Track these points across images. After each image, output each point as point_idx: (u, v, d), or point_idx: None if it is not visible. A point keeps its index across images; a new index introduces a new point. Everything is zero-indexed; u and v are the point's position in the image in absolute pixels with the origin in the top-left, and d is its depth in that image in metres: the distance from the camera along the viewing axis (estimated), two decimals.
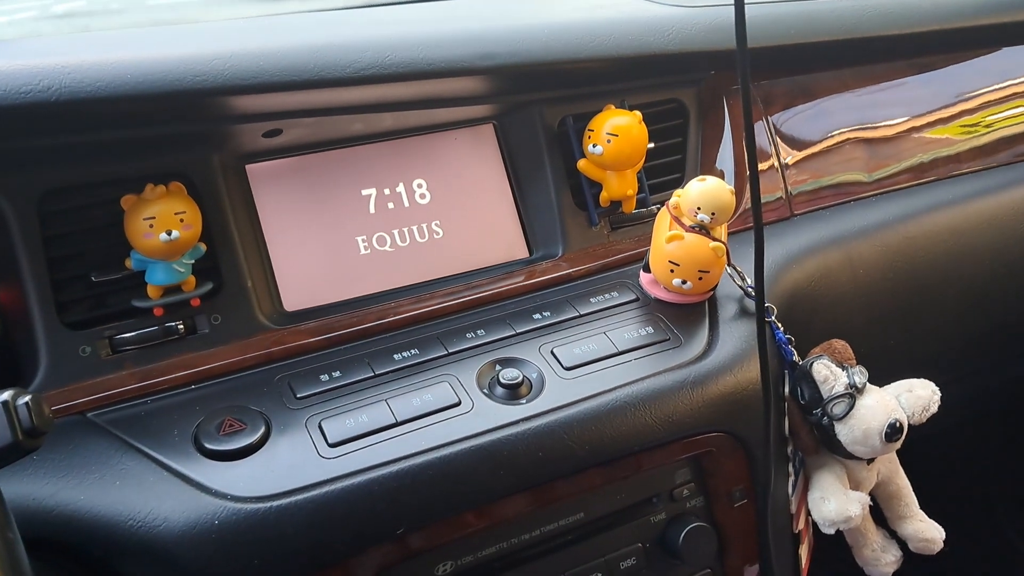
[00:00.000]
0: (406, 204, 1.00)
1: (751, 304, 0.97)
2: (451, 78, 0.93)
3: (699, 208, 0.90)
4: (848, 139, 1.20)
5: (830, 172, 1.18)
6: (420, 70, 0.89)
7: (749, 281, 0.96)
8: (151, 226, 0.81)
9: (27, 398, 0.60)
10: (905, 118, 1.24)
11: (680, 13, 1.05)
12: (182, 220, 0.82)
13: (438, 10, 1.15)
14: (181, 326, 0.87)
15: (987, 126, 1.30)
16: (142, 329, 0.85)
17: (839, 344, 1.00)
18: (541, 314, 0.94)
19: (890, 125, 1.23)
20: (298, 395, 0.83)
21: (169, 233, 0.81)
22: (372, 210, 0.98)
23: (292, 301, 0.93)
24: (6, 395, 0.60)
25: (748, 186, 1.09)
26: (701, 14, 1.06)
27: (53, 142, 0.82)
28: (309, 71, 0.84)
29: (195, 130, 0.87)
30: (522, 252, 1.04)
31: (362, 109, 0.94)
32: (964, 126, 1.28)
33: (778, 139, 1.15)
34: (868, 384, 0.95)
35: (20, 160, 0.82)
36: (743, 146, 1.11)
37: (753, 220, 0.75)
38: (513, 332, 0.92)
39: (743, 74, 0.67)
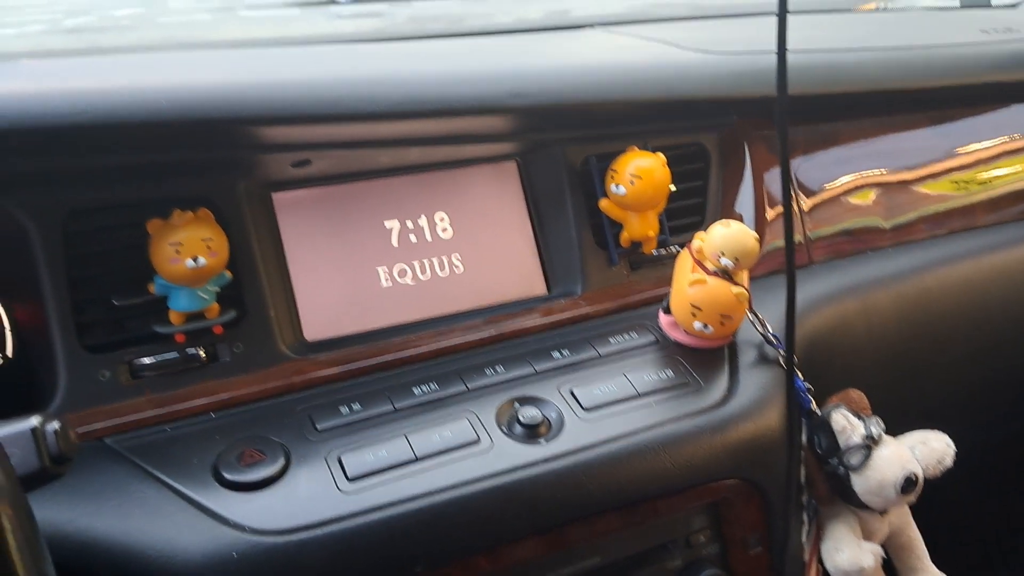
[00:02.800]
0: (428, 237, 1.00)
1: (771, 351, 0.97)
2: (481, 115, 0.93)
3: (723, 253, 0.91)
4: (865, 187, 1.21)
5: (847, 219, 1.19)
6: (452, 107, 0.89)
7: (770, 328, 0.97)
8: (177, 252, 0.81)
9: (55, 424, 0.60)
10: (922, 169, 1.25)
11: (706, 60, 1.06)
12: (209, 247, 0.82)
13: (467, 46, 1.16)
14: (202, 353, 0.86)
15: (1001, 180, 1.31)
16: (162, 355, 0.85)
17: (856, 394, 1.00)
18: (560, 352, 0.94)
19: (907, 175, 1.24)
20: (318, 427, 0.82)
21: (196, 259, 0.81)
22: (394, 242, 0.98)
23: (313, 331, 0.93)
24: (34, 421, 0.59)
25: (768, 231, 1.10)
26: (727, 61, 1.07)
27: (81, 163, 0.82)
28: (344, 104, 0.84)
29: (224, 157, 0.87)
30: (541, 289, 1.04)
31: (391, 143, 0.94)
32: (979, 179, 1.29)
33: (797, 185, 1.16)
34: (884, 435, 0.95)
35: (47, 179, 0.82)
36: (763, 191, 1.12)
37: (786, 271, 0.75)
38: (532, 370, 0.91)
39: (781, 122, 0.68)
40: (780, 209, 1.13)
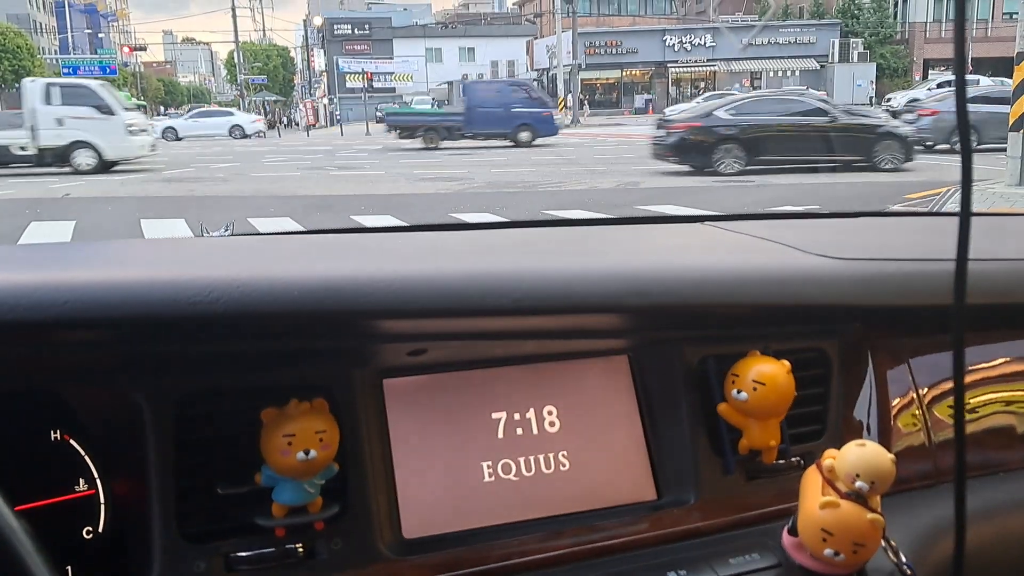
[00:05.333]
0: (535, 431, 0.96)
1: None
2: (601, 313, 0.91)
3: (858, 475, 0.84)
4: (993, 395, 1.14)
5: (975, 423, 1.11)
6: (574, 304, 0.87)
7: (903, 558, 0.89)
8: (289, 443, 0.78)
9: None
10: None
11: (831, 265, 1.03)
12: (321, 439, 0.79)
13: (587, 240, 1.15)
14: (300, 549, 0.82)
15: None
16: (260, 549, 0.81)
17: None
18: (676, 572, 0.87)
19: None
20: None
21: (307, 452, 0.78)
22: (500, 435, 0.95)
23: (412, 528, 0.88)
24: None
25: (892, 444, 1.03)
26: (852, 267, 1.03)
27: (200, 350, 0.81)
28: (468, 299, 0.83)
29: (343, 346, 0.86)
30: (650, 494, 0.98)
31: (507, 335, 0.93)
32: None
33: (921, 391, 1.09)
34: None
35: (166, 363, 0.81)
36: (887, 400, 1.06)
37: (955, 506, 0.68)
38: None
39: (957, 331, 0.63)
40: (903, 420, 1.07)
